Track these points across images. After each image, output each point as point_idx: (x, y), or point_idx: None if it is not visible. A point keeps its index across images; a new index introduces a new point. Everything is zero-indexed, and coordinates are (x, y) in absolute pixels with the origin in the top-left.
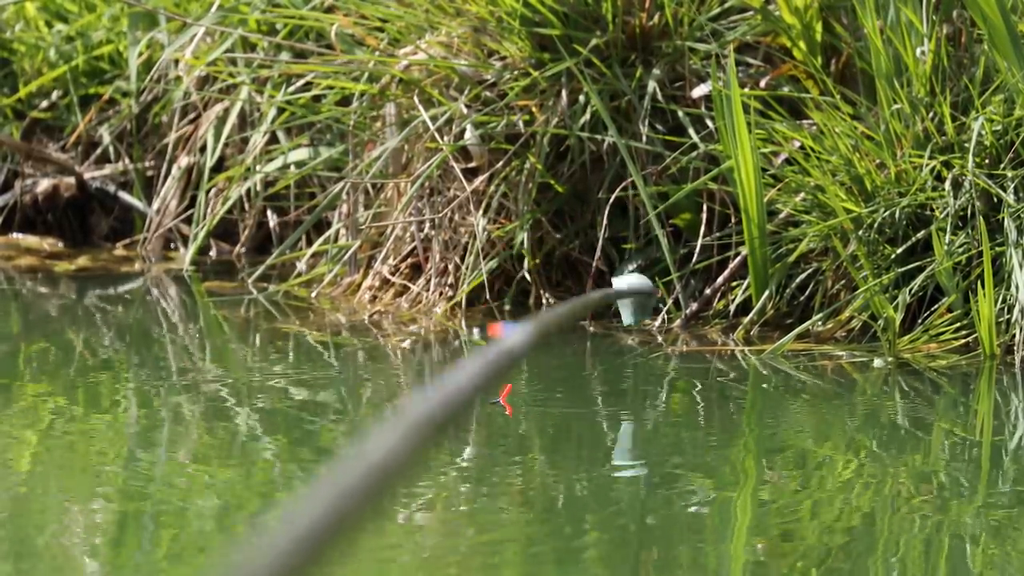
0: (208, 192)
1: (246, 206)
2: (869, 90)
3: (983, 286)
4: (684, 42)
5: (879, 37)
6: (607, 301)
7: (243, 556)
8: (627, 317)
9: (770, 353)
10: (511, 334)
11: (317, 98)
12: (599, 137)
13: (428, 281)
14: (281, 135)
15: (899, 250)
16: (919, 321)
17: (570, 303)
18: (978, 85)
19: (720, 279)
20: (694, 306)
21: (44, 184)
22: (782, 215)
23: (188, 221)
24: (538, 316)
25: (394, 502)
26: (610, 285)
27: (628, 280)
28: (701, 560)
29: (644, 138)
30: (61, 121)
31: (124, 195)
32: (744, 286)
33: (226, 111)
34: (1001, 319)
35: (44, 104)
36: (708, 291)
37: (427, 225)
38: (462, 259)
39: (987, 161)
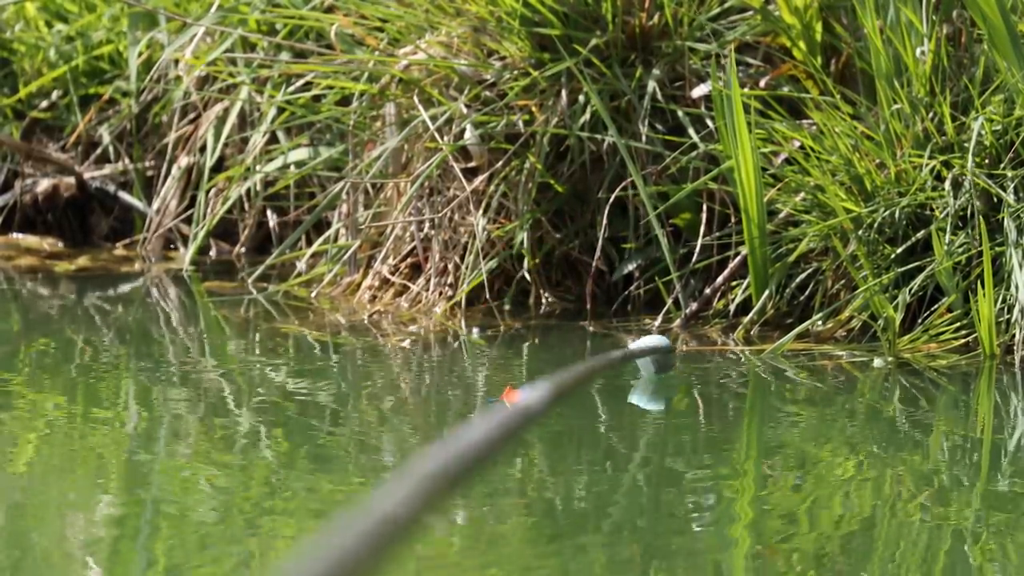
0: (208, 192)
1: (246, 206)
2: (869, 90)
3: (983, 286)
4: (684, 42)
5: (879, 37)
6: (627, 360)
7: None
8: (647, 373)
9: (770, 353)
10: (528, 394)
11: (317, 98)
12: (599, 137)
13: (428, 281)
14: (281, 135)
15: (899, 250)
16: (919, 321)
17: (588, 362)
18: (978, 85)
19: (720, 279)
20: (694, 306)
21: (44, 184)
22: (782, 215)
23: (188, 221)
24: (556, 376)
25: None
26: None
27: (646, 341)
28: (701, 560)
29: (644, 138)
30: (61, 121)
31: (124, 195)
32: (744, 286)
33: (226, 111)
34: (1001, 319)
35: (44, 104)
36: (708, 291)
37: (427, 225)
38: (462, 259)
39: (987, 161)
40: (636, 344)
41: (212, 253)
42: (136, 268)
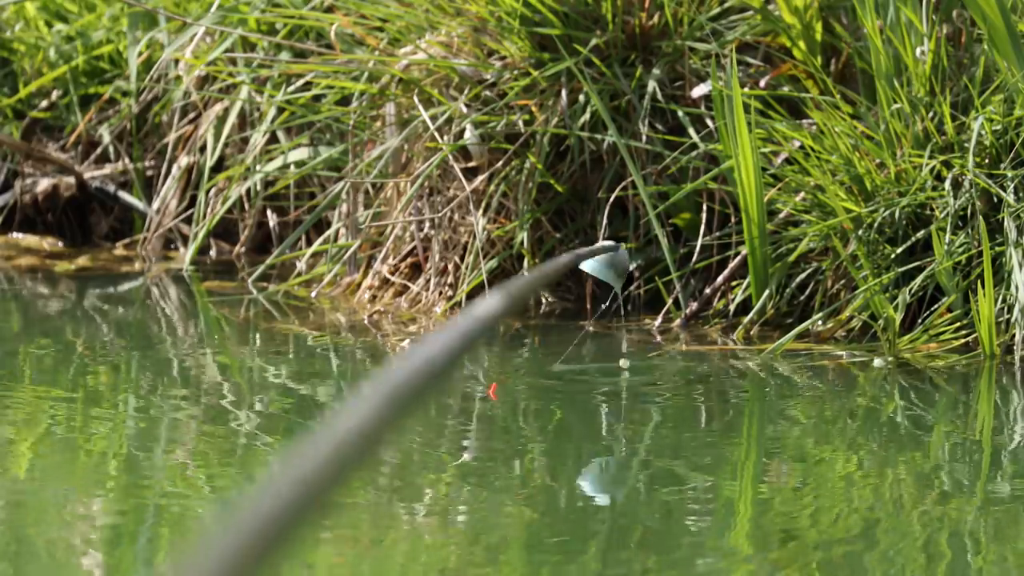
0: (208, 192)
1: (246, 206)
2: (869, 90)
3: (983, 286)
4: (684, 42)
5: (879, 37)
6: (574, 263)
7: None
8: (607, 277)
9: (770, 353)
10: (482, 304)
11: (317, 98)
12: (599, 137)
13: (428, 281)
14: (281, 135)
15: (899, 250)
16: (919, 321)
17: (538, 268)
18: (978, 85)
19: (720, 279)
20: (694, 306)
21: (44, 184)
22: (782, 215)
23: (188, 221)
24: (506, 284)
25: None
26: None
27: (595, 253)
28: (701, 560)
29: (644, 138)
30: (61, 121)
31: (124, 195)
32: (744, 286)
33: (226, 111)
34: (1001, 319)
35: (44, 104)
36: (708, 291)
37: (427, 225)
38: (462, 259)
39: (987, 161)
40: (589, 263)
41: (212, 253)
42: (136, 268)
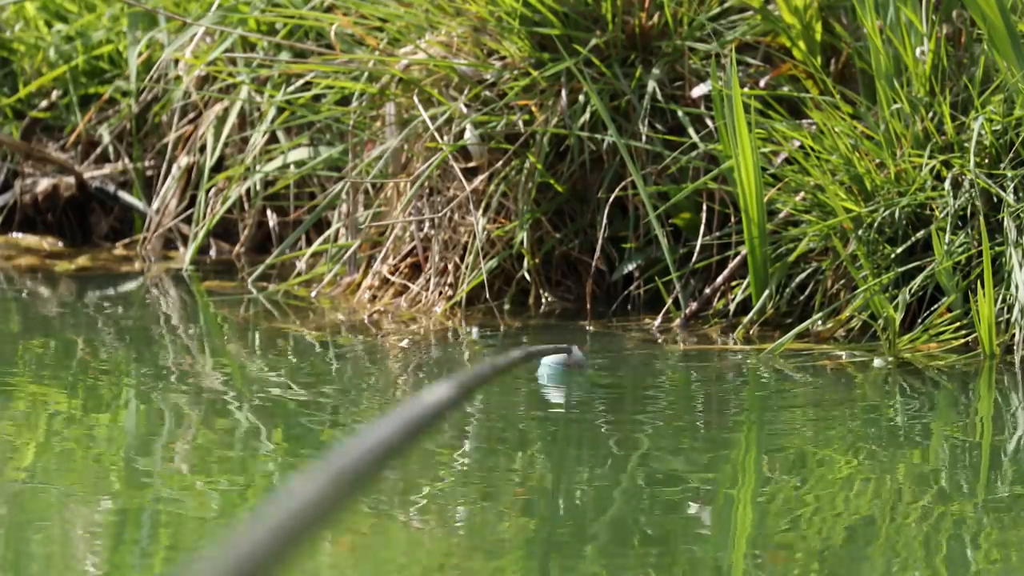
0: (208, 192)
1: (246, 206)
2: (869, 90)
3: (983, 286)
4: (684, 42)
5: (879, 37)
6: (527, 360)
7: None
8: (565, 380)
9: (770, 352)
10: (436, 389)
11: (317, 98)
12: (599, 137)
13: (428, 281)
14: (281, 135)
15: (899, 250)
16: (919, 321)
17: (491, 362)
18: (978, 85)
19: (720, 279)
20: (694, 306)
21: (44, 184)
22: (782, 215)
23: (188, 221)
24: (458, 374)
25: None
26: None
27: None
28: (701, 560)
29: (644, 138)
30: (61, 121)
31: (124, 195)
32: (744, 286)
33: (226, 111)
34: (1001, 319)
35: (44, 104)
36: (708, 291)
37: (427, 225)
38: (462, 259)
39: (987, 161)
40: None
41: (212, 253)
42: (136, 268)
